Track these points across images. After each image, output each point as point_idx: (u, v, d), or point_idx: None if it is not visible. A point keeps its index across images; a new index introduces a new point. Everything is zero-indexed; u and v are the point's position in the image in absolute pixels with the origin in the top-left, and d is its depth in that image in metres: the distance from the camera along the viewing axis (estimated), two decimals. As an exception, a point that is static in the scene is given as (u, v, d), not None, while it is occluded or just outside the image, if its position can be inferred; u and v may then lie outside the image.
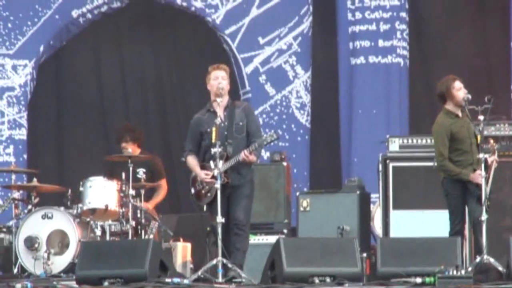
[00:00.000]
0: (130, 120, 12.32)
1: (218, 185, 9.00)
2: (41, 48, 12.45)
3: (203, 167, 9.19)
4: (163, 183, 11.06)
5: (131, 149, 10.75)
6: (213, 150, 9.03)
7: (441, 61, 12.43)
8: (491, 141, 10.13)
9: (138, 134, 10.84)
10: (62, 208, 10.11)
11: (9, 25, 12.74)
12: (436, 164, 9.56)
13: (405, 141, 11.06)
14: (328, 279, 8.49)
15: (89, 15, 12.81)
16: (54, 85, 13.11)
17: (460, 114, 9.37)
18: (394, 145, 10.99)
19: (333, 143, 12.66)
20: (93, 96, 13.04)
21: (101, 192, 10.21)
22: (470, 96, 9.34)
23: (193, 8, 12.71)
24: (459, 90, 9.30)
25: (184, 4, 12.76)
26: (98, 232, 10.31)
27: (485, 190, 9.20)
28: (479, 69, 12.41)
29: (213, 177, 9.12)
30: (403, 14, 12.71)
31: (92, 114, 13.01)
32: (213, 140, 9.06)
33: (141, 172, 10.35)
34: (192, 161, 9.24)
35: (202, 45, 12.78)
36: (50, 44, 12.67)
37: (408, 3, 12.83)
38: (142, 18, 13.25)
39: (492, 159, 9.49)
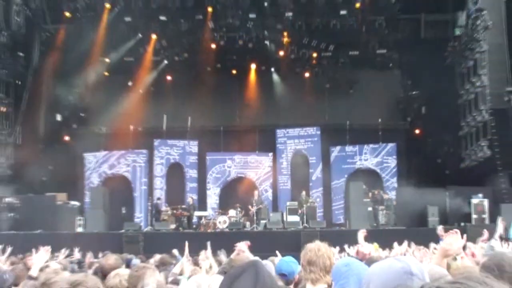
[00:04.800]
0: (240, 202, 15.27)
1: (255, 211, 14.78)
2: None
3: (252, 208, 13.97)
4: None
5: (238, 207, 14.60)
6: (255, 205, 14.52)
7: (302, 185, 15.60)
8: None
9: (240, 203, 14.31)
10: (225, 216, 14.28)
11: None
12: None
13: (292, 202, 16.18)
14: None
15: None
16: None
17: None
18: (289, 203, 16.07)
19: (276, 205, 16.95)
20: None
21: (232, 212, 14.82)
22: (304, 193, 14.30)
23: (247, 176, 16.74)
24: (305, 195, 14.45)
25: (238, 174, 16.82)
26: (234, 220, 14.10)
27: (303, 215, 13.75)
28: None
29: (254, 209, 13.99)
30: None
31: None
32: (255, 205, 14.69)
33: (239, 208, 15.24)
34: (251, 208, 14.33)
35: (246, 185, 16.71)
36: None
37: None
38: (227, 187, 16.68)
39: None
